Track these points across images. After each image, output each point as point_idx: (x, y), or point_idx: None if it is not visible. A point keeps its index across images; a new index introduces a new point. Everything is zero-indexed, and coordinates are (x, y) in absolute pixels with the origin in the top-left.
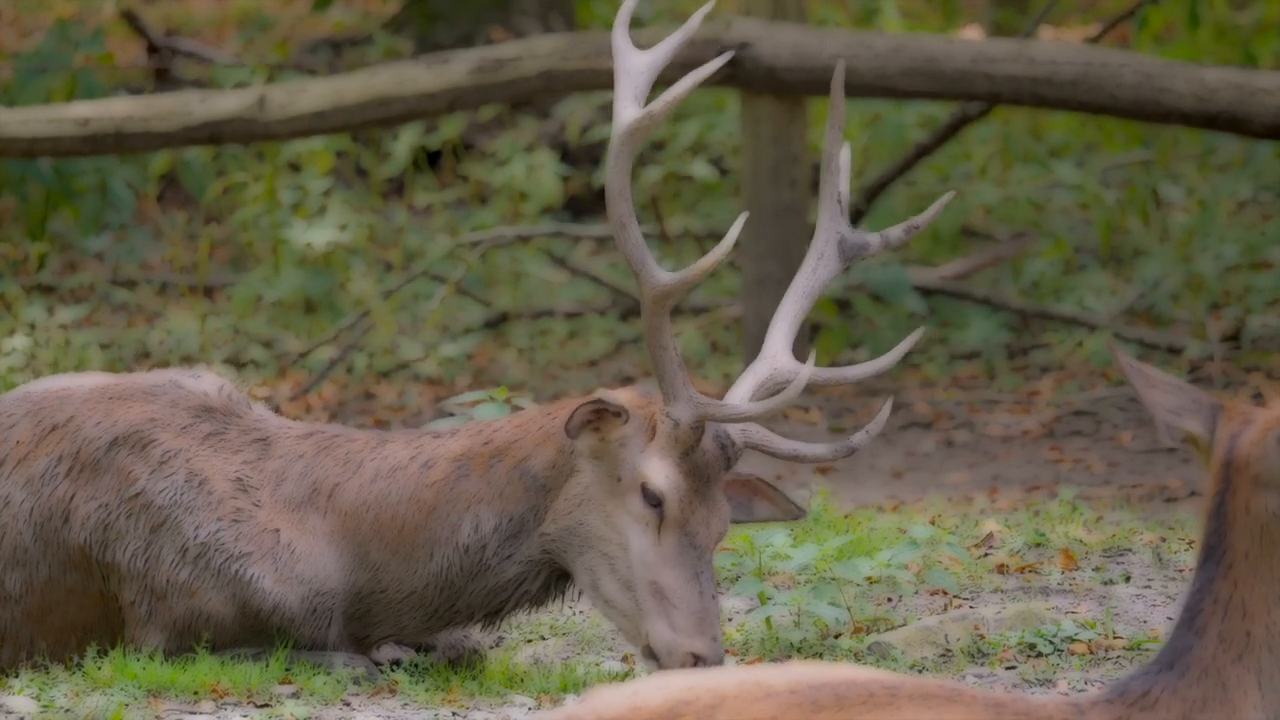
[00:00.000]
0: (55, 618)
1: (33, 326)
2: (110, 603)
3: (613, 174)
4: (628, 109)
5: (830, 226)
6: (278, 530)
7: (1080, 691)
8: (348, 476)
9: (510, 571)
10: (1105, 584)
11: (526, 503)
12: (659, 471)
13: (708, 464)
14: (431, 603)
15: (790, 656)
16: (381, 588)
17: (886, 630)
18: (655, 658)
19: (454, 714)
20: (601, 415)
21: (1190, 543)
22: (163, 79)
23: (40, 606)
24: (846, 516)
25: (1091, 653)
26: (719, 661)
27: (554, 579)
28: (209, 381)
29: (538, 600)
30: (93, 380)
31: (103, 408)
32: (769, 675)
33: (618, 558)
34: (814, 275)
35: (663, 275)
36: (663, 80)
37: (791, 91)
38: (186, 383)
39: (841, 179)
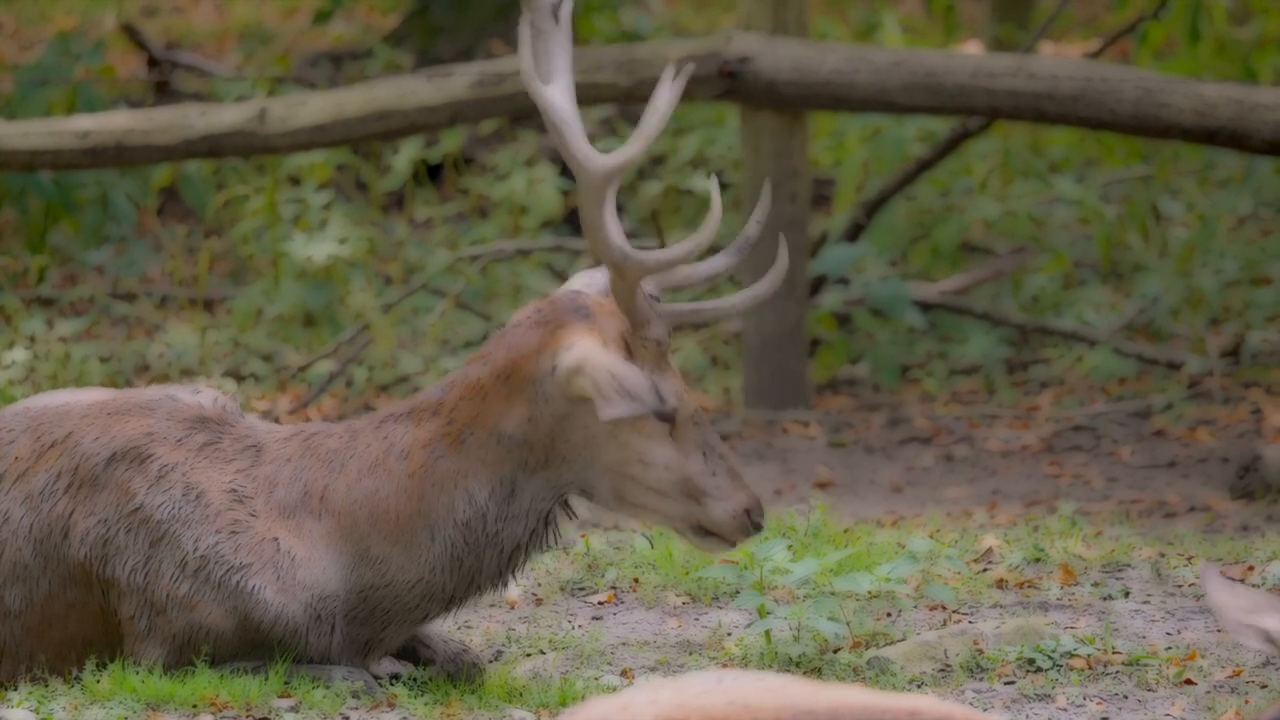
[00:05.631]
0: (55, 633)
1: (32, 339)
2: (110, 618)
3: (592, 215)
4: (591, 155)
5: None
6: (276, 539)
7: (1078, 706)
8: (335, 476)
9: (518, 530)
10: (1104, 599)
11: (512, 461)
12: (665, 391)
13: (667, 344)
14: (444, 586)
15: (790, 671)
16: (385, 581)
17: (885, 645)
18: (716, 534)
19: None
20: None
21: (1190, 558)
22: (163, 92)
23: (40, 621)
24: (846, 531)
25: (1090, 668)
26: (761, 503)
27: (558, 514)
28: (205, 395)
29: (550, 544)
30: (92, 396)
31: (100, 423)
32: (758, 697)
33: (641, 474)
34: None
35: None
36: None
37: (792, 106)
38: (182, 396)
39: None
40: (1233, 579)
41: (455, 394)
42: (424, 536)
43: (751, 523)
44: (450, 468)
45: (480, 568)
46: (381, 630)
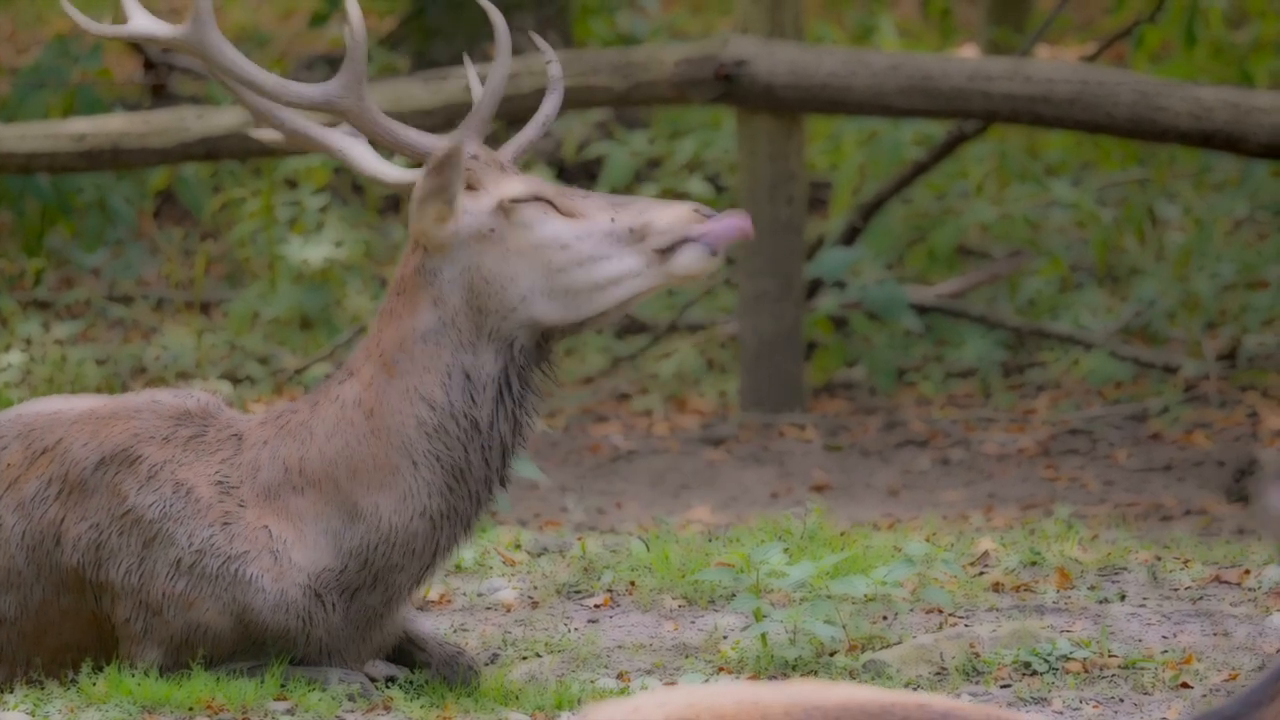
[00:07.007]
0: (50, 639)
1: (29, 342)
2: (104, 624)
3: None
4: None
5: None
6: (268, 526)
7: (1075, 710)
8: (307, 447)
9: (488, 400)
10: (1100, 602)
11: (447, 349)
12: (510, 188)
13: (491, 156)
14: (445, 503)
15: (786, 674)
16: (382, 534)
17: (882, 648)
18: (679, 247)
19: None
20: (443, 170)
21: (1185, 561)
22: (160, 95)
23: (35, 628)
24: (842, 534)
25: (1086, 671)
26: (699, 205)
27: (516, 376)
28: (193, 397)
29: (531, 399)
30: (84, 403)
31: (90, 429)
32: (767, 695)
33: (566, 258)
34: None
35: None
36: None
37: (788, 109)
38: (165, 398)
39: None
40: None
41: (376, 330)
42: (406, 468)
43: (700, 214)
44: (399, 390)
45: (470, 467)
46: (386, 596)
